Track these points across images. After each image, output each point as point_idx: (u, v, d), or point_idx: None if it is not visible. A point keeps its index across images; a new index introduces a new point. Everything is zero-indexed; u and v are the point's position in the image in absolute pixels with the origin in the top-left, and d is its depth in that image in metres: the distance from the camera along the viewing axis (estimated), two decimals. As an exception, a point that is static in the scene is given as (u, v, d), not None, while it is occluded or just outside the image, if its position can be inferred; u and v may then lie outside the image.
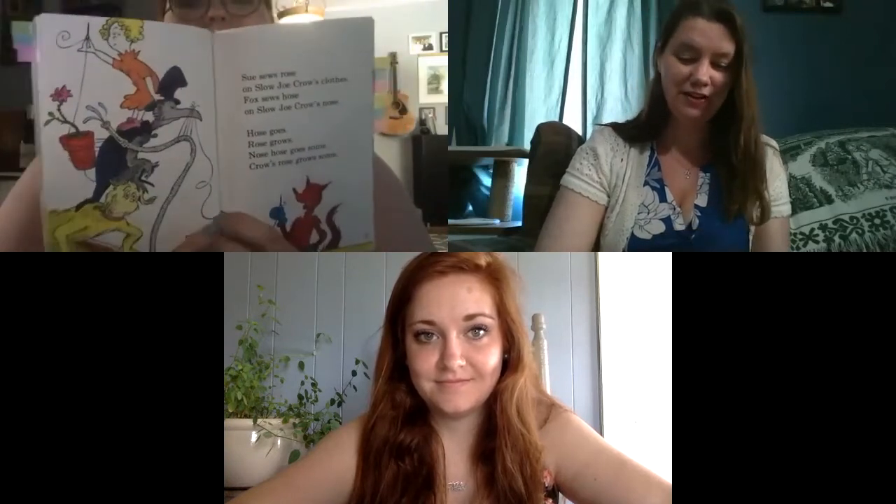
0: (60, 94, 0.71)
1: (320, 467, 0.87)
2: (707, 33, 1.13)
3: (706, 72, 1.13)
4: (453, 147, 2.92)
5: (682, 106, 1.17)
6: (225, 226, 0.79)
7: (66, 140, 0.71)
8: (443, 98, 4.13)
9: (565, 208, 1.25)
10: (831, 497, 0.79)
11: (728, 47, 1.13)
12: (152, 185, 0.75)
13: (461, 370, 0.80)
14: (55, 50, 0.70)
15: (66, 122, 0.71)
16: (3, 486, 0.77)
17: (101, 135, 0.72)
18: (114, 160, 0.73)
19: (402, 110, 4.34)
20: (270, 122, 0.78)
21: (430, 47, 4.34)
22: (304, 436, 1.45)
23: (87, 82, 0.71)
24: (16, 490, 0.77)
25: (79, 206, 0.73)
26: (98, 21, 0.71)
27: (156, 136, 0.74)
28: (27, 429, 0.78)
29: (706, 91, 1.14)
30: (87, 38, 0.71)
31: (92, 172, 0.73)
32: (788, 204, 1.29)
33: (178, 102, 0.75)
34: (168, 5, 0.98)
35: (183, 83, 0.75)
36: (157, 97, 0.74)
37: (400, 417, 0.85)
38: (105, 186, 0.74)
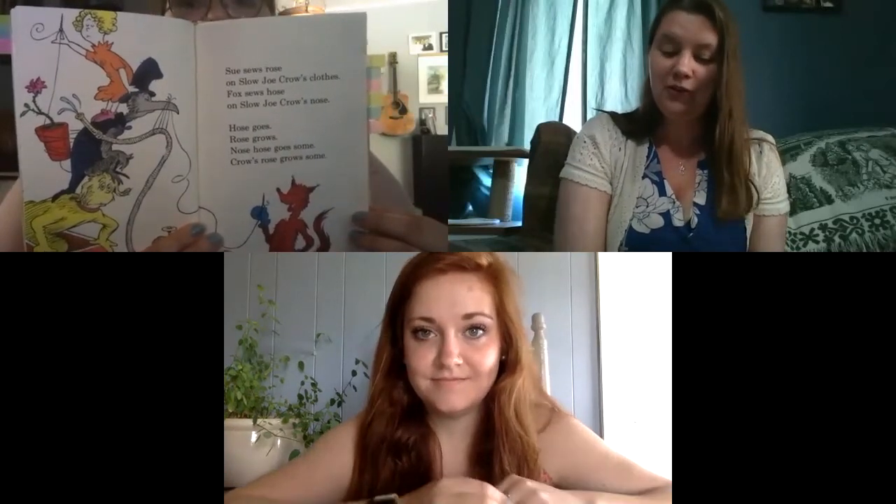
0: (35, 86, 0.71)
1: (319, 464, 0.87)
2: (687, 24, 1.13)
3: (687, 63, 1.12)
4: (453, 147, 2.91)
5: (666, 101, 1.16)
6: (369, 225, 0.80)
7: (41, 131, 0.72)
8: (443, 98, 4.12)
9: (581, 206, 1.22)
10: (831, 497, 0.79)
11: (709, 38, 1.12)
12: (127, 176, 0.75)
13: (458, 369, 0.80)
14: (29, 42, 0.71)
15: (40, 113, 0.72)
16: (3, 486, 0.77)
17: (75, 126, 0.73)
18: (88, 151, 0.73)
19: (402, 110, 4.34)
20: (254, 117, 0.77)
21: (430, 47, 4.33)
22: (304, 436, 1.45)
23: (60, 74, 0.72)
24: (16, 490, 0.77)
25: (55, 197, 0.74)
26: (71, 13, 0.72)
27: (130, 127, 0.74)
28: (27, 428, 0.78)
29: (688, 85, 1.13)
30: (61, 30, 0.72)
31: (67, 163, 0.73)
32: (787, 202, 1.27)
33: (152, 94, 0.75)
34: (168, 5, 0.98)
35: (158, 75, 0.75)
36: (132, 89, 0.74)
37: (397, 414, 0.85)
38: (80, 177, 0.74)
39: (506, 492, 0.70)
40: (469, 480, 0.72)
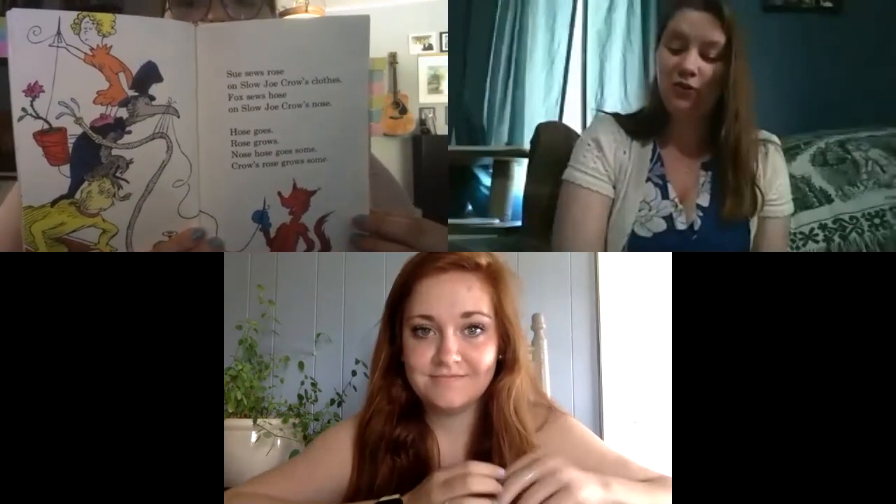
0: (33, 90, 0.70)
1: (318, 463, 0.87)
2: (695, 22, 1.13)
3: (694, 61, 1.12)
4: (453, 147, 2.91)
5: (672, 97, 1.16)
6: (370, 228, 0.80)
7: (39, 136, 0.71)
8: (443, 98, 4.12)
9: (581, 209, 1.21)
10: (831, 497, 0.79)
11: (716, 36, 1.12)
12: (127, 181, 0.74)
13: (456, 366, 0.80)
14: (26, 45, 0.69)
15: (38, 117, 0.71)
16: (3, 486, 0.77)
17: (74, 131, 0.72)
18: (87, 156, 0.72)
19: (402, 110, 4.33)
20: (255, 121, 0.76)
21: (430, 47, 4.32)
22: (304, 436, 1.45)
23: (59, 78, 0.70)
24: (16, 490, 0.77)
25: (54, 202, 0.73)
26: (69, 15, 0.70)
27: (130, 132, 0.73)
28: (28, 428, 0.78)
29: (694, 82, 1.13)
30: (59, 33, 0.70)
31: (66, 168, 0.72)
32: (791, 203, 1.27)
33: (153, 98, 0.74)
34: (167, 6, 0.97)
35: (158, 79, 0.73)
36: (131, 93, 0.73)
37: (396, 412, 0.85)
38: (79, 182, 0.73)
39: (524, 469, 0.68)
40: (453, 465, 0.73)
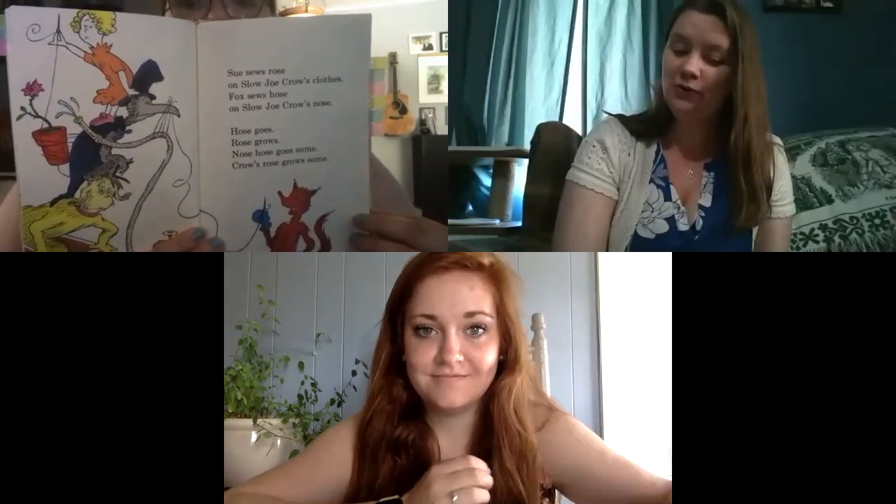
0: (32, 89, 0.70)
1: (318, 462, 0.87)
2: (698, 24, 1.12)
3: (696, 63, 1.11)
4: (453, 147, 2.91)
5: (674, 98, 1.15)
6: (370, 228, 0.80)
7: (38, 135, 0.70)
8: (443, 98, 4.13)
9: (583, 210, 1.21)
10: (831, 497, 0.79)
11: (719, 39, 1.11)
12: (127, 181, 0.74)
13: (458, 365, 0.80)
14: (25, 43, 0.69)
15: (38, 116, 0.70)
16: (3, 486, 0.76)
17: (73, 130, 0.71)
18: (87, 156, 0.72)
19: (402, 110, 4.34)
20: (256, 120, 0.76)
21: (430, 47, 4.33)
22: (304, 436, 1.45)
23: (58, 76, 0.70)
24: (16, 490, 0.77)
25: (53, 202, 0.72)
26: (69, 13, 0.69)
27: (130, 131, 0.73)
28: (28, 428, 0.78)
29: (695, 85, 1.11)
30: (58, 31, 0.69)
31: (66, 168, 0.72)
32: (792, 204, 1.27)
33: (153, 97, 0.73)
34: (168, 6, 0.97)
35: (159, 77, 0.73)
36: (132, 92, 0.72)
37: (396, 412, 0.85)
38: (79, 182, 0.72)
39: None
40: (453, 458, 0.74)
